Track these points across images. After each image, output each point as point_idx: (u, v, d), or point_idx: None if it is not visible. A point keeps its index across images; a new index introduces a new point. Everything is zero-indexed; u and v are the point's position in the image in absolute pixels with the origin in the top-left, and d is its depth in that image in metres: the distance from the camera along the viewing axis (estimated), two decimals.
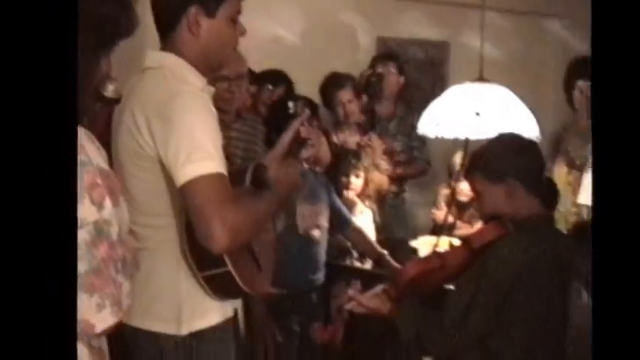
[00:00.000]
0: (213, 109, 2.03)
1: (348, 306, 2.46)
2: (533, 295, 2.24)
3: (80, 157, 1.65)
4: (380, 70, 4.49)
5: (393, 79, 4.55)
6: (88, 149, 1.71)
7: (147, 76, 2.08)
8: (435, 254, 2.39)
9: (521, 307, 2.24)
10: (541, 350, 2.31)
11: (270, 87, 3.92)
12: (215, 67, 2.22)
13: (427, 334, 2.31)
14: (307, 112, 2.51)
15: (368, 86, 4.42)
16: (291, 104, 2.50)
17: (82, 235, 1.62)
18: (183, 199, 1.95)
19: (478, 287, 2.23)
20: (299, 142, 2.42)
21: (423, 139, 4.22)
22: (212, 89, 2.16)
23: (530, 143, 2.47)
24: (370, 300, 2.45)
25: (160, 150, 1.96)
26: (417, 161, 4.52)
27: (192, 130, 1.92)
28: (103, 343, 1.80)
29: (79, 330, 1.65)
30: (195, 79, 2.08)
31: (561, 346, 2.44)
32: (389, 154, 4.38)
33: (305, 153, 2.53)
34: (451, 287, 2.42)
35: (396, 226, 4.38)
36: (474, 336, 2.27)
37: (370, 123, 4.47)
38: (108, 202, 1.69)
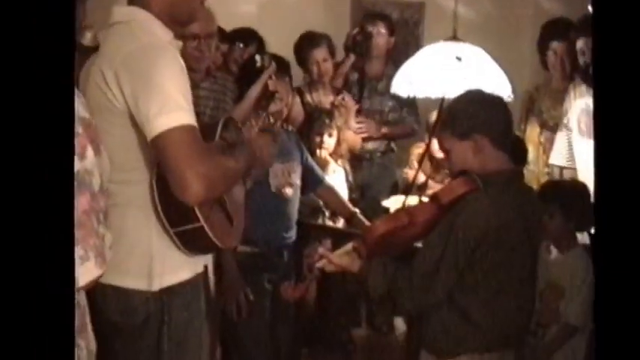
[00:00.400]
0: (182, 62, 2.02)
1: (319, 264, 2.46)
2: (501, 249, 2.25)
3: None
4: (369, 29, 4.45)
5: (382, 39, 4.49)
6: None
7: (114, 31, 2.06)
8: (403, 211, 2.39)
9: (490, 262, 2.25)
10: (509, 304, 2.33)
11: (241, 45, 3.89)
12: (182, 22, 2.20)
13: (397, 291, 2.32)
14: (274, 65, 2.50)
15: (354, 45, 4.40)
16: (257, 58, 2.51)
17: None
18: (156, 152, 1.95)
19: (447, 243, 2.23)
20: (267, 96, 2.42)
21: (413, 100, 4.20)
22: (180, 43, 2.15)
23: (496, 99, 2.47)
24: (340, 258, 2.44)
25: (129, 103, 1.95)
26: (405, 121, 4.50)
27: (162, 83, 1.91)
28: (82, 299, 1.79)
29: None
30: (162, 33, 2.07)
31: (530, 300, 2.47)
32: (377, 113, 4.39)
33: (273, 107, 2.53)
34: (421, 245, 2.43)
35: (383, 185, 4.39)
36: (443, 292, 2.28)
37: (360, 82, 4.46)
38: (90, 152, 1.68)
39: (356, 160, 4.31)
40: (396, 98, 4.25)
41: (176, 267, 2.12)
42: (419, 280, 2.27)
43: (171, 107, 1.89)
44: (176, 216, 2.00)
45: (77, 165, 1.63)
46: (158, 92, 1.90)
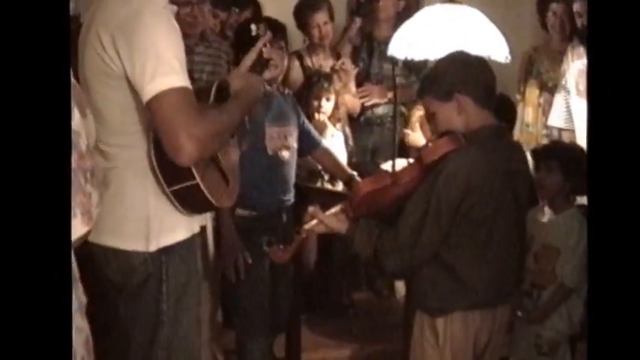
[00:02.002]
0: (177, 26, 2.06)
1: (308, 225, 2.49)
2: (484, 204, 2.27)
3: None
4: None
5: (389, 2, 4.43)
6: None
7: None
8: (387, 172, 2.42)
9: (474, 218, 2.28)
10: (496, 261, 2.36)
11: (236, 10, 3.88)
12: None
13: (382, 252, 2.34)
14: (269, 34, 2.52)
15: (359, 8, 4.37)
16: (253, 27, 2.53)
17: None
18: (150, 114, 1.98)
19: (429, 202, 2.26)
20: (262, 63, 2.44)
21: (423, 63, 4.17)
22: (174, 8, 2.18)
23: (477, 59, 2.47)
24: (329, 218, 2.47)
25: (126, 66, 1.99)
26: (412, 85, 4.47)
27: (157, 46, 1.95)
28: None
29: None
30: None
31: (518, 258, 2.48)
32: (384, 78, 4.36)
33: (268, 74, 2.56)
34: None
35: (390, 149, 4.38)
36: (428, 252, 2.31)
37: (369, 46, 4.44)
38: (76, 113, 1.72)
39: (367, 124, 4.33)
40: (405, 63, 4.23)
41: (173, 227, 2.16)
42: (403, 240, 2.29)
43: (166, 70, 1.93)
44: (172, 175, 2.04)
45: None
46: (153, 55, 1.94)
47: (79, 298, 1.83)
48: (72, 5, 1.84)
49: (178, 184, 2.05)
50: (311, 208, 2.48)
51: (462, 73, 2.35)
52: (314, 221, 2.45)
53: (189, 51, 3.23)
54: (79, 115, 1.72)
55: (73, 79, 1.78)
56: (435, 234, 2.27)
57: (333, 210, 2.47)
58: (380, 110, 4.39)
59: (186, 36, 3.22)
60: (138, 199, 2.11)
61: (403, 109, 4.49)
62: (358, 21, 4.41)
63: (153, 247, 2.12)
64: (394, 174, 2.40)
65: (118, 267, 2.15)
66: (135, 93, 2.00)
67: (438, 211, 2.25)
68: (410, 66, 4.27)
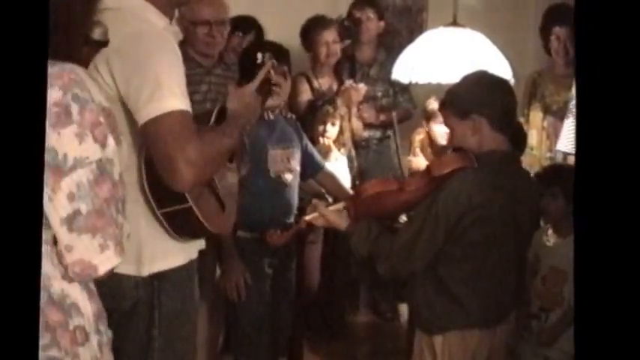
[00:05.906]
0: (177, 48, 2.03)
1: (308, 217, 2.50)
2: (482, 227, 2.28)
3: (82, 94, 1.65)
4: (357, 15, 4.45)
5: (371, 24, 4.49)
6: (90, 87, 1.71)
7: (106, 17, 2.05)
8: (394, 178, 2.45)
9: (470, 239, 2.29)
10: (491, 283, 2.36)
11: (240, 34, 3.87)
12: (178, 3, 2.22)
13: (376, 253, 2.38)
14: (274, 62, 2.54)
15: (343, 31, 4.39)
16: (259, 55, 2.54)
17: (85, 175, 1.63)
18: (145, 138, 1.95)
19: (427, 217, 2.29)
20: (266, 90, 2.45)
21: (407, 85, 4.19)
22: (176, 29, 2.16)
23: (499, 81, 2.48)
24: (330, 213, 2.50)
25: (121, 90, 1.96)
26: (400, 106, 4.49)
27: (154, 70, 1.92)
28: (93, 287, 1.81)
29: (78, 271, 1.66)
30: (156, 19, 2.06)
31: (514, 282, 2.47)
32: (371, 99, 4.37)
33: (271, 101, 2.58)
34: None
35: (380, 172, 4.35)
36: (420, 263, 2.34)
37: (351, 68, 4.45)
38: (111, 141, 1.71)
39: (355, 147, 4.32)
40: (388, 83, 4.25)
41: (167, 253, 2.12)
42: (398, 247, 2.33)
43: (163, 93, 1.90)
44: (164, 197, 2.00)
45: (99, 153, 1.66)
46: (150, 79, 1.91)
47: (107, 330, 1.81)
48: (101, 30, 1.84)
49: (170, 206, 2.01)
50: (314, 201, 2.51)
51: (481, 94, 2.37)
52: (315, 214, 2.46)
53: (206, 72, 3.26)
54: (114, 143, 1.71)
55: (108, 105, 1.78)
56: (429, 248, 2.31)
57: (335, 206, 2.50)
58: (366, 133, 4.38)
59: (204, 56, 3.24)
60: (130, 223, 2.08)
61: (389, 131, 4.51)
62: (344, 42, 4.41)
63: (145, 272, 2.09)
64: (401, 181, 2.42)
65: (109, 290, 2.07)
66: (129, 115, 1.97)
67: (434, 227, 2.28)
68: (394, 86, 4.29)
